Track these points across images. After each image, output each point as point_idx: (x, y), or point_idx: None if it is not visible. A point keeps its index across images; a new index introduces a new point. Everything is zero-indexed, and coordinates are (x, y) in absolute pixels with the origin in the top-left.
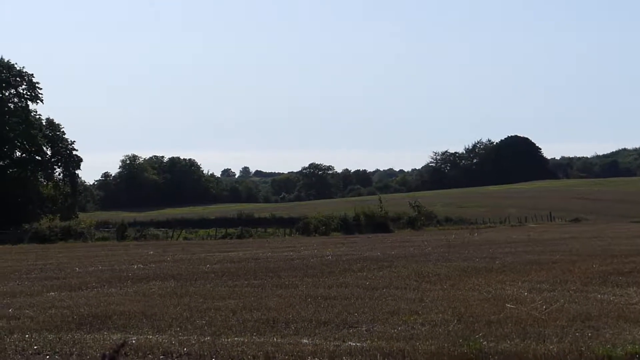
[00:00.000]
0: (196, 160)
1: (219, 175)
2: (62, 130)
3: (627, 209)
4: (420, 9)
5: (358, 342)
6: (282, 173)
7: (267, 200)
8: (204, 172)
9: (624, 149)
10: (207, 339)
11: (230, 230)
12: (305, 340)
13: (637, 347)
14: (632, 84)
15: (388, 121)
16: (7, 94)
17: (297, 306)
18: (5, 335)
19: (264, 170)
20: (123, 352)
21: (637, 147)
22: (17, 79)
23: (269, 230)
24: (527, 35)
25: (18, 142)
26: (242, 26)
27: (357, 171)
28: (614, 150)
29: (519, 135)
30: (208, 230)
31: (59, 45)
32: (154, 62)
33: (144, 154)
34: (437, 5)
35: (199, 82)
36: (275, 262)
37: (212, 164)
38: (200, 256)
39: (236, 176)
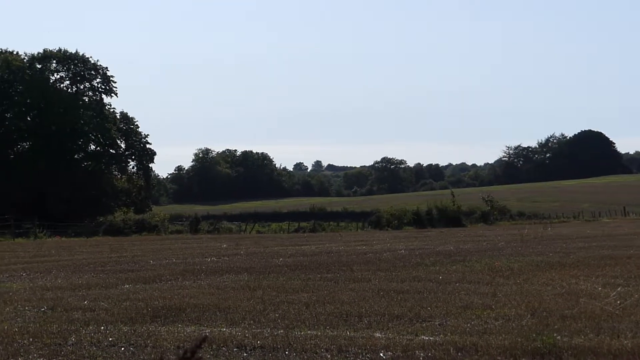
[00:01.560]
0: (269, 154)
1: (291, 169)
2: (136, 123)
3: None
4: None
5: (431, 336)
6: (354, 167)
7: (339, 194)
8: (276, 165)
9: None
10: (280, 332)
11: (303, 224)
12: (378, 334)
13: None
14: None
15: (461, 115)
16: (82, 87)
17: (370, 300)
18: (81, 327)
19: (336, 164)
20: (202, 347)
21: None
22: (92, 72)
23: (342, 224)
24: (600, 28)
25: (92, 135)
26: (316, 19)
27: (430, 165)
28: None
29: (592, 129)
30: (280, 223)
31: (133, 39)
32: (226, 56)
33: (217, 147)
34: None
35: (272, 75)
36: (348, 256)
37: (284, 158)
38: (273, 249)
39: (308, 170)
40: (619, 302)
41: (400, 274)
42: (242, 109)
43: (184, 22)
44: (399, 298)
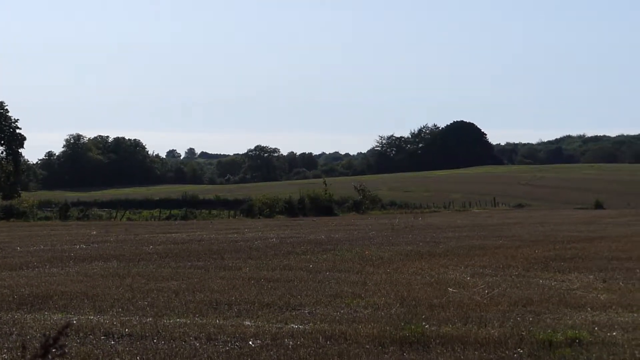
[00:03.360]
0: (141, 140)
1: (164, 156)
2: (5, 108)
3: (570, 196)
4: None
5: (300, 325)
6: (228, 155)
7: (212, 181)
8: (149, 152)
9: (569, 136)
10: (149, 320)
11: (175, 212)
12: (247, 322)
13: (577, 332)
14: (577, 71)
15: (334, 104)
16: None
17: (240, 288)
18: None
19: (210, 152)
20: (65, 334)
21: (582, 134)
22: None
23: (214, 211)
24: (471, 20)
25: None
26: (189, 5)
27: (303, 154)
28: (559, 137)
29: (464, 120)
30: (152, 211)
31: (4, 21)
32: (98, 41)
33: (89, 133)
34: None
35: (146, 61)
36: (219, 244)
37: (157, 145)
38: (143, 237)
39: (181, 157)
40: (487, 291)
41: (271, 262)
42: (115, 94)
43: (57, 3)
44: (270, 286)
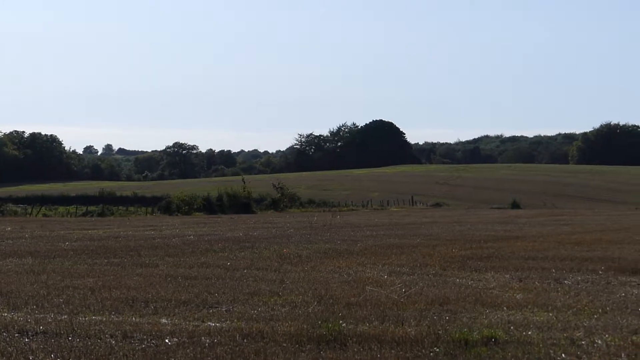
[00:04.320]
0: (58, 136)
1: (81, 152)
2: None
3: (487, 195)
4: None
5: (217, 323)
6: (146, 151)
7: (129, 178)
8: (65, 148)
9: (486, 136)
10: (64, 318)
11: (91, 208)
12: (164, 320)
13: (493, 331)
14: (495, 71)
15: (253, 102)
16: None
17: (157, 285)
18: None
19: (128, 148)
20: None
21: (499, 134)
22: None
23: (131, 208)
24: (391, 19)
25: None
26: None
27: (222, 151)
28: (477, 137)
29: (383, 119)
30: (68, 207)
31: None
32: (13, 33)
33: (4, 128)
34: None
35: (63, 56)
36: (136, 241)
37: (74, 141)
38: (59, 233)
39: (99, 153)
40: (404, 290)
41: (188, 259)
42: (31, 89)
43: None
44: (187, 284)
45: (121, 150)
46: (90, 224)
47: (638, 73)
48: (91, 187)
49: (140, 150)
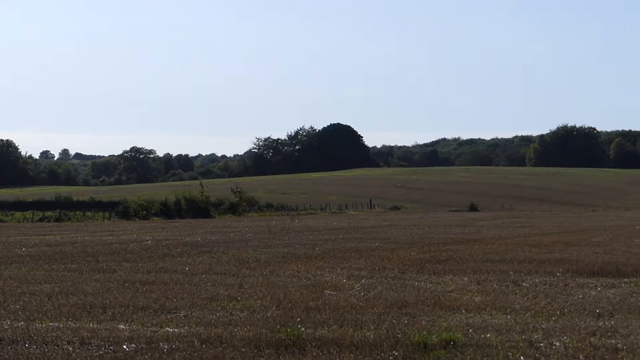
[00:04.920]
0: (14, 141)
1: (38, 157)
2: None
3: (445, 198)
4: None
5: (176, 328)
6: (103, 156)
7: (86, 183)
8: (21, 153)
9: (444, 139)
10: (21, 324)
11: (48, 214)
12: (122, 326)
13: (451, 334)
14: (452, 74)
15: (211, 106)
16: None
17: (115, 291)
18: None
19: (84, 153)
20: None
21: (457, 137)
22: None
23: (88, 213)
24: (346, 21)
25: None
26: (68, 4)
27: (179, 156)
28: (434, 140)
29: (341, 123)
30: (24, 213)
31: None
32: None
33: None
34: None
35: (19, 61)
36: (94, 246)
37: (30, 146)
38: (15, 239)
39: (55, 158)
40: (362, 294)
41: (146, 264)
42: None
43: None
44: (145, 289)
45: (78, 155)
46: (47, 229)
47: (593, 75)
48: (48, 192)
49: (97, 155)
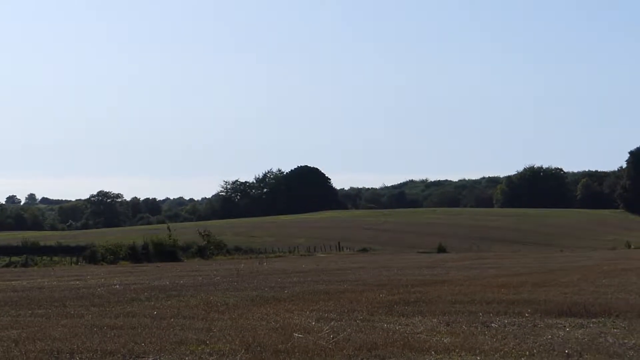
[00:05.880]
0: None
1: (4, 202)
2: None
3: (413, 240)
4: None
5: None
6: (70, 200)
7: (53, 228)
8: None
9: (411, 181)
10: None
11: (14, 259)
12: None
13: None
14: (419, 116)
15: (178, 150)
16: None
17: (83, 336)
18: None
19: (51, 198)
20: None
21: (424, 178)
22: None
23: (55, 258)
24: (311, 63)
25: None
26: (26, 42)
27: (147, 199)
28: (402, 182)
29: (309, 165)
30: None
31: None
32: None
33: None
34: (215, 29)
35: None
36: (61, 291)
37: None
38: None
39: (22, 203)
40: (331, 336)
41: (114, 309)
42: None
43: None
44: (113, 334)
45: (45, 200)
46: (14, 274)
47: (560, 117)
48: (14, 237)
49: (64, 199)
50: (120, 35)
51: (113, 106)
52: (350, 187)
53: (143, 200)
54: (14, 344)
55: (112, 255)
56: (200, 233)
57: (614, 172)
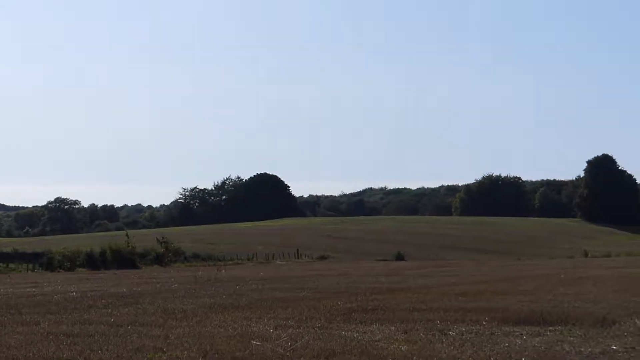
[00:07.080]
0: None
1: None
2: None
3: (372, 247)
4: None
5: None
6: (27, 207)
7: (10, 234)
8: None
9: (370, 188)
10: None
11: None
12: None
13: None
14: (376, 124)
15: (137, 156)
16: None
17: (39, 344)
18: None
19: (7, 204)
20: None
21: (383, 186)
22: None
23: (11, 265)
24: (270, 70)
25: None
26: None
27: (105, 206)
28: (361, 190)
29: (268, 172)
30: None
31: None
32: None
33: None
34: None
35: None
36: (17, 299)
37: None
38: None
39: None
40: (289, 344)
41: (70, 316)
42: None
43: None
44: (69, 342)
45: (1, 206)
46: None
47: (518, 126)
48: None
49: (20, 205)
50: (83, 40)
51: (70, 112)
52: (309, 195)
53: (101, 207)
54: None
55: (69, 262)
56: (158, 240)
57: (571, 181)
